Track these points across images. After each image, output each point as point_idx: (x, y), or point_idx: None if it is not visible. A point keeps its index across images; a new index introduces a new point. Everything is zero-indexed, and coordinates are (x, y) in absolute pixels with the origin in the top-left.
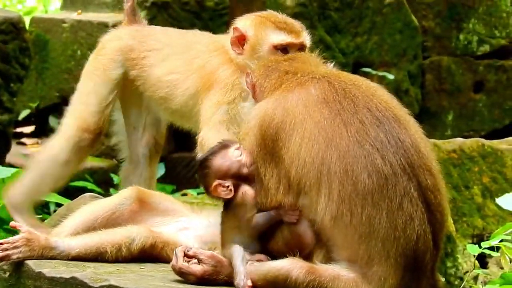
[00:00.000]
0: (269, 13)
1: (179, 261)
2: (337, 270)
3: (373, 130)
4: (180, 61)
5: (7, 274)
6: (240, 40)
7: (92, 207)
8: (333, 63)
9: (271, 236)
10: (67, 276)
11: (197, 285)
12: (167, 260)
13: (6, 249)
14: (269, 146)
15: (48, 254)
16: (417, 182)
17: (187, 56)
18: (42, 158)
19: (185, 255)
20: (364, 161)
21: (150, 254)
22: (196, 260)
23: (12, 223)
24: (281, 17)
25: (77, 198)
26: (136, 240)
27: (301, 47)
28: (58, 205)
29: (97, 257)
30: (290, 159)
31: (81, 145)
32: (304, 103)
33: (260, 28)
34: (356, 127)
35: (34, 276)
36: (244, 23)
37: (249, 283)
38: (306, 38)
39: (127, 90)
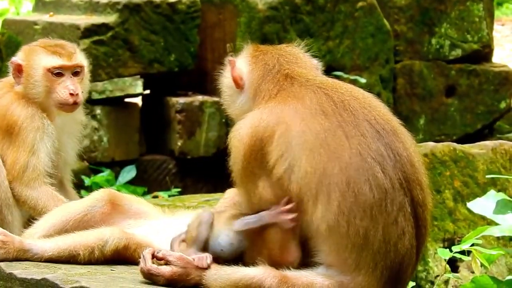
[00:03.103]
0: (42, 40)
1: (148, 263)
2: (312, 278)
3: (374, 143)
4: None
5: None
6: (19, 71)
7: (63, 209)
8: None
9: (254, 245)
10: (38, 277)
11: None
12: (139, 262)
13: None
14: (258, 157)
15: (22, 256)
16: (411, 197)
17: None
18: None
19: (154, 257)
20: (366, 174)
21: (123, 256)
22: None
23: None
24: (53, 42)
25: None
26: (109, 242)
27: (76, 69)
28: None
29: (69, 259)
30: (288, 170)
31: None
32: (301, 116)
33: (31, 55)
34: (358, 140)
35: (5, 277)
36: (19, 55)
37: (209, 261)
38: (79, 59)
39: None
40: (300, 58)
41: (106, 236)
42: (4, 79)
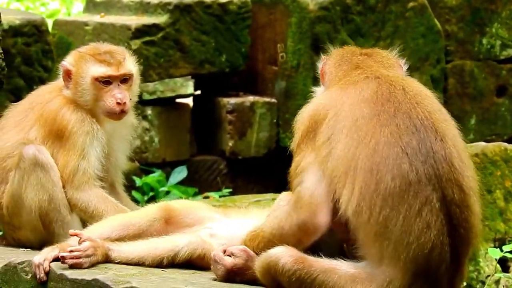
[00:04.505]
0: (92, 46)
1: (217, 251)
2: (334, 264)
3: (407, 135)
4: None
5: (29, 275)
6: (68, 76)
7: (119, 223)
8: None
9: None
10: (89, 278)
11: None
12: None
13: (79, 257)
14: (311, 136)
15: (104, 260)
16: (442, 194)
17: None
18: None
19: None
20: (391, 163)
21: (195, 264)
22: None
23: (71, 231)
24: (103, 49)
25: None
26: (182, 252)
27: (125, 77)
28: None
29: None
30: (328, 150)
31: None
32: (350, 102)
33: (80, 62)
34: (391, 130)
35: (56, 278)
36: (68, 59)
37: None
38: (128, 68)
39: None
40: (380, 53)
41: (180, 246)
42: (53, 82)
